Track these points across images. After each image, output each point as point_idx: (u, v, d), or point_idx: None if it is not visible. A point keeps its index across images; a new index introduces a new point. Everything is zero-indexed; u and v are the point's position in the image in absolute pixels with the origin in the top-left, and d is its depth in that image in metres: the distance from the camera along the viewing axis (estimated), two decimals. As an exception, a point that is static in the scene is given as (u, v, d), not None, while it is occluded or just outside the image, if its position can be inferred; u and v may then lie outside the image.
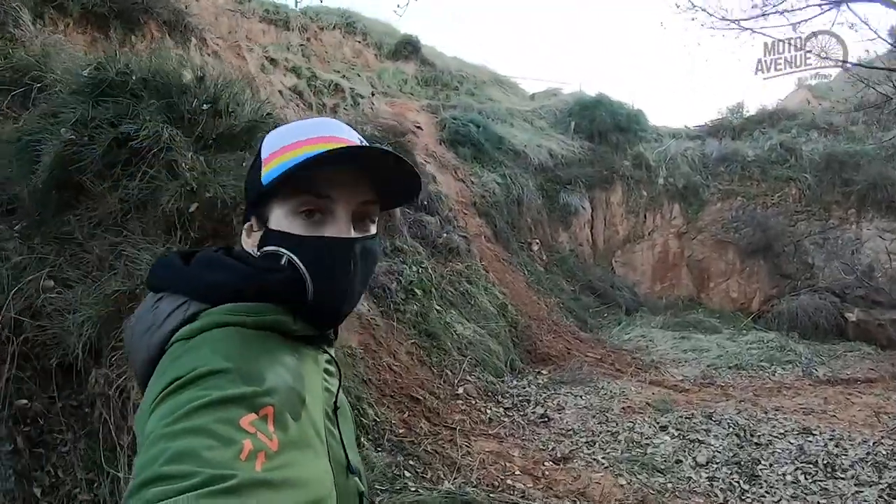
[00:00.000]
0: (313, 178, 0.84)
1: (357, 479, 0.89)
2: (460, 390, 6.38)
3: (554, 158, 12.90)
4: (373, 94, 11.75)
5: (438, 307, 7.41)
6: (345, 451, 0.88)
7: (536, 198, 12.10)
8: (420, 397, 5.72)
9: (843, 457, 5.49)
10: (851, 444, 5.74)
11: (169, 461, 0.60)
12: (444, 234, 8.83)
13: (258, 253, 0.88)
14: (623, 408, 6.26)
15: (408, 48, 15.83)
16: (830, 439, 5.82)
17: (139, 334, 0.83)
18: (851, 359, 9.01)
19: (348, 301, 0.90)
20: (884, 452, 5.61)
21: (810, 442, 5.76)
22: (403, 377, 5.89)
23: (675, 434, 5.67)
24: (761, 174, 12.25)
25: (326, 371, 0.93)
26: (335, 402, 0.90)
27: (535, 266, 11.17)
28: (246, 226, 0.92)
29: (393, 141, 8.60)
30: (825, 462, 5.30)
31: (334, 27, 15.28)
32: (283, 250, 0.85)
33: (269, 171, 0.87)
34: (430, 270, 7.76)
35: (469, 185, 11.08)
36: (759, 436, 5.74)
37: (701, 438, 5.57)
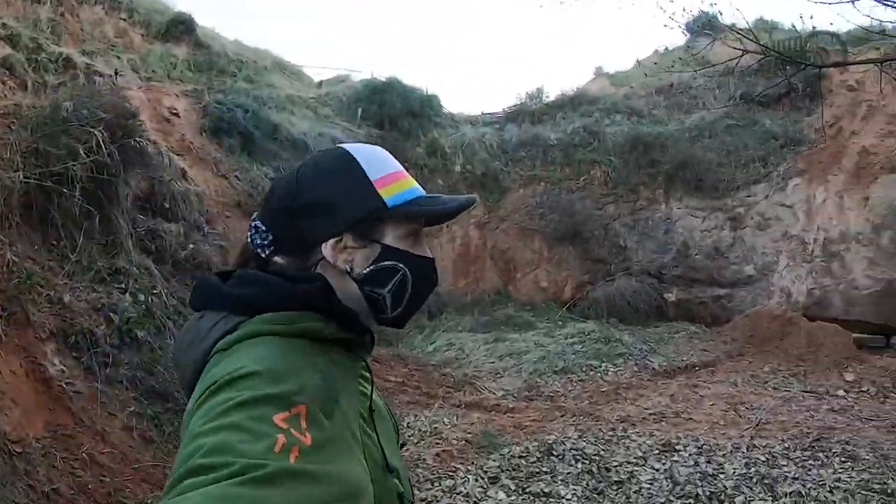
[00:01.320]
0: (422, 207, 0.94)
1: (396, 479, 0.87)
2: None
3: None
4: (116, 74, 9.03)
5: None
6: (382, 450, 0.86)
7: None
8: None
9: (722, 475, 4.22)
10: (724, 455, 4.55)
11: (205, 455, 0.61)
12: (191, 246, 6.64)
13: (368, 269, 0.91)
14: (437, 453, 4.43)
15: (180, 28, 13.33)
16: (698, 453, 4.55)
17: (184, 350, 0.88)
18: (680, 341, 8.16)
19: (412, 316, 0.98)
20: (763, 459, 4.51)
21: (677, 461, 4.41)
22: (116, 473, 3.86)
23: (512, 489, 3.95)
24: (564, 158, 11.36)
25: (361, 376, 0.92)
26: (370, 405, 0.89)
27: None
28: (334, 242, 0.91)
29: (116, 122, 6.05)
30: (706, 492, 3.88)
31: (95, 2, 12.41)
32: (402, 266, 0.91)
33: (393, 196, 0.92)
34: (164, 297, 5.52)
35: (233, 182, 8.95)
36: (615, 467, 4.29)
37: (546, 489, 3.90)
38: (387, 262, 0.90)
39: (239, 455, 0.60)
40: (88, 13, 12.11)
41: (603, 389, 6.27)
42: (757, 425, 5.12)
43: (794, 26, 10.85)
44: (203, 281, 0.93)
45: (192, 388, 0.81)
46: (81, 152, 5.09)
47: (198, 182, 8.13)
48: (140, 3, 13.15)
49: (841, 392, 6.09)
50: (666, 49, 14.05)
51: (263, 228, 0.93)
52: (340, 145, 0.98)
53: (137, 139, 6.05)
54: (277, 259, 0.92)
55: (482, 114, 13.85)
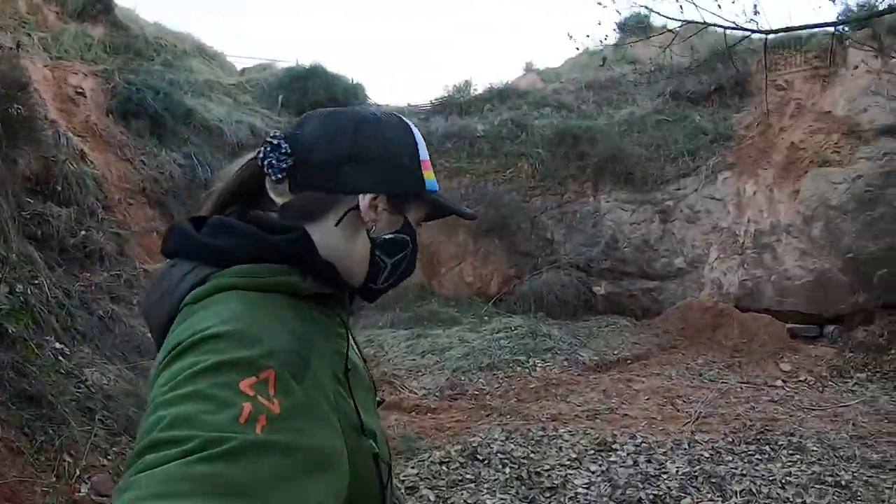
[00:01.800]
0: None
1: (372, 441, 0.81)
2: (84, 490, 3.46)
3: (256, 136, 10.36)
4: (19, 46, 7.98)
5: (59, 345, 4.47)
6: (358, 412, 0.79)
7: None
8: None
9: (665, 475, 3.72)
10: (665, 453, 4.08)
11: (166, 427, 0.58)
12: (83, 233, 5.89)
13: (388, 235, 0.90)
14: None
15: (97, 7, 12.29)
16: (637, 451, 4.06)
17: (154, 302, 0.83)
18: (610, 335, 7.76)
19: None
20: (706, 455, 4.09)
21: (615, 462, 3.89)
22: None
23: (432, 500, 3.31)
24: (491, 150, 10.92)
25: (338, 334, 0.85)
26: (346, 365, 0.81)
27: None
28: (369, 198, 0.87)
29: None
30: (650, 495, 3.36)
31: None
32: (410, 242, 0.92)
33: (431, 181, 0.93)
34: (45, 288, 4.78)
35: (139, 167, 8.11)
36: (546, 471, 3.73)
37: (469, 499, 3.27)
38: (403, 236, 0.91)
39: (201, 427, 0.57)
40: (-2, -12, 10.98)
41: (531, 386, 5.73)
42: (697, 419, 4.70)
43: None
44: (175, 226, 0.88)
45: (160, 345, 0.76)
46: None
47: (98, 165, 7.35)
48: (55, -21, 12.06)
49: (779, 382, 5.82)
50: (597, 47, 14.02)
51: (287, 150, 0.86)
52: (393, 113, 0.97)
53: (17, 107, 5.20)
54: (274, 195, 0.87)
55: (408, 105, 13.34)
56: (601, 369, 6.28)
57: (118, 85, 8.87)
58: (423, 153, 0.93)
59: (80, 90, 8.48)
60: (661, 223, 8.93)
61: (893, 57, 7.82)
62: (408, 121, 0.94)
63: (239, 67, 15.55)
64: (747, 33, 7.04)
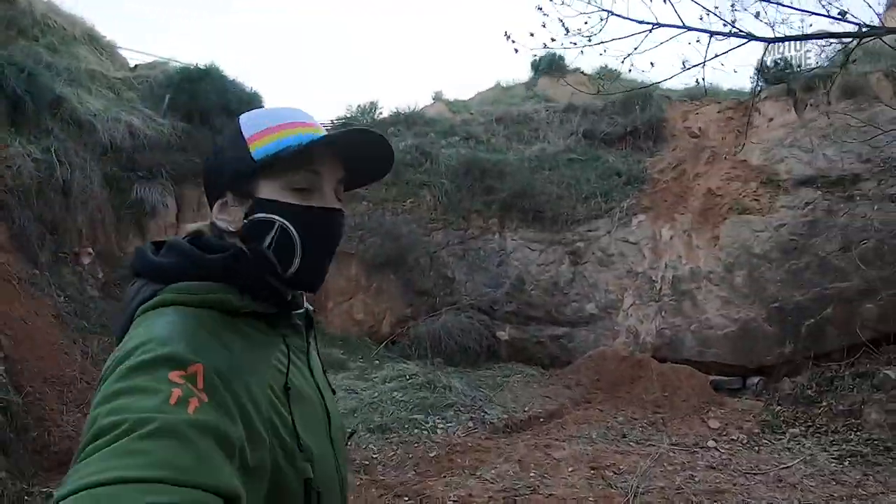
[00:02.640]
0: (308, 157, 0.88)
1: (309, 463, 0.81)
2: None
3: (135, 138, 8.98)
4: None
5: None
6: (295, 430, 0.80)
7: (99, 188, 7.99)
8: None
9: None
10: None
11: (105, 415, 0.61)
12: None
13: (243, 223, 0.88)
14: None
15: None
16: (574, 548, 3.02)
17: (116, 317, 0.93)
18: (517, 386, 6.86)
19: (322, 275, 0.92)
20: None
21: (548, 566, 2.86)
22: None
23: None
24: (392, 177, 9.94)
25: (282, 352, 0.87)
26: (286, 384, 0.83)
27: (84, 288, 6.98)
28: (219, 203, 0.92)
29: None
30: None
31: None
32: (276, 217, 0.86)
33: (262, 147, 0.88)
34: None
35: None
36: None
37: None
38: (259, 215, 0.87)
39: (132, 412, 0.60)
40: None
41: (432, 454, 4.69)
42: (635, 496, 3.81)
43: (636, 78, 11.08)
44: (139, 249, 0.91)
45: None
46: None
47: None
48: (-70, -57, 10.17)
49: (711, 443, 5.16)
50: (509, 83, 13.70)
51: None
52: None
53: None
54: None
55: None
56: (512, 430, 5.34)
57: None
58: (257, 127, 0.90)
59: None
60: (572, 265, 8.26)
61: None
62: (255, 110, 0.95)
63: (133, 63, 13.99)
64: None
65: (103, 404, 0.62)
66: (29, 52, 8.66)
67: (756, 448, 5.06)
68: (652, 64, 8.84)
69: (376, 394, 6.17)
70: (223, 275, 0.82)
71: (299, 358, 0.91)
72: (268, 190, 0.88)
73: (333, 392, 1.03)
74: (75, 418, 4.59)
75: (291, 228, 0.86)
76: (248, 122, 0.91)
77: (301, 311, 0.94)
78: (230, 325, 0.80)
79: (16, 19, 10.91)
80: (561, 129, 10.46)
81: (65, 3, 12.95)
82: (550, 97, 12.28)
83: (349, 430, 1.12)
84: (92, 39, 12.76)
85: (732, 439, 5.20)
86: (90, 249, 7.47)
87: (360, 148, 0.91)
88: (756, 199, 7.52)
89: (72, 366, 5.18)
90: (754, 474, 4.47)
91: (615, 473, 4.27)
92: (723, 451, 4.94)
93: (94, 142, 8.32)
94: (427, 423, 5.40)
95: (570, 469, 4.34)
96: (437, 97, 13.25)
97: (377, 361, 7.68)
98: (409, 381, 6.58)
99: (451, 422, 5.45)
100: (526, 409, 5.91)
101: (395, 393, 6.18)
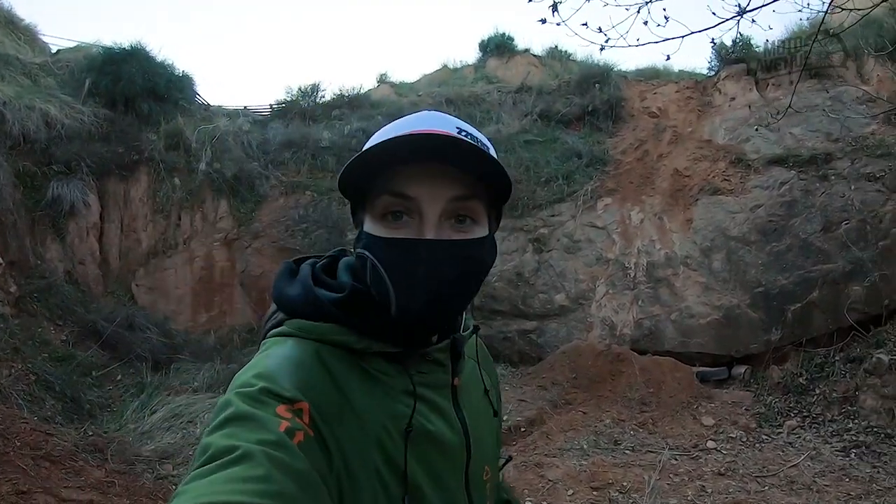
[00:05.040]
0: (391, 177, 0.77)
1: None
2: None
3: (51, 129, 8.11)
4: None
5: None
6: (406, 480, 0.76)
7: (9, 187, 7.15)
8: None
9: None
10: None
11: (217, 441, 0.62)
12: None
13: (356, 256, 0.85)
14: None
15: None
16: None
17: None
18: (482, 390, 6.28)
19: (435, 312, 0.78)
20: None
21: None
22: None
23: None
24: (338, 164, 9.30)
25: (408, 393, 0.80)
26: (407, 426, 0.77)
27: None
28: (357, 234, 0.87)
29: None
30: None
31: None
32: (367, 253, 0.79)
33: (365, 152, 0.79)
34: None
35: None
36: None
37: None
38: (359, 250, 0.82)
39: (243, 440, 0.62)
40: None
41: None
42: (653, 517, 3.33)
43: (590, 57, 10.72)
44: (282, 265, 0.91)
45: None
46: None
47: None
48: None
49: (710, 443, 4.79)
50: (456, 65, 13.16)
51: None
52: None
53: None
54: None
55: (245, 108, 11.48)
56: (495, 441, 4.79)
57: None
58: (382, 135, 0.81)
59: None
60: (536, 253, 7.77)
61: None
62: (396, 122, 0.84)
63: (56, 49, 12.76)
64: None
65: (216, 430, 0.64)
66: None
67: (758, 446, 4.73)
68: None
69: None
70: (337, 315, 0.79)
71: (439, 395, 0.84)
72: (368, 219, 0.81)
73: (496, 414, 0.99)
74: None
75: (378, 265, 0.77)
76: (384, 132, 0.83)
77: (442, 344, 0.84)
78: (353, 363, 0.78)
79: None
80: (515, 110, 9.96)
81: None
82: (501, 78, 11.80)
83: (503, 459, 1.02)
84: (8, 23, 11.65)
85: (731, 437, 4.84)
86: (0, 259, 6.52)
87: (464, 158, 0.76)
88: (727, 180, 7.22)
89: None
90: (764, 477, 4.13)
91: (620, 493, 3.78)
92: (725, 452, 4.58)
93: (2, 133, 7.49)
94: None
95: (569, 492, 3.83)
96: (383, 79, 12.60)
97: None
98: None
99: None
100: (504, 418, 5.37)
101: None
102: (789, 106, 4.09)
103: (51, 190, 7.70)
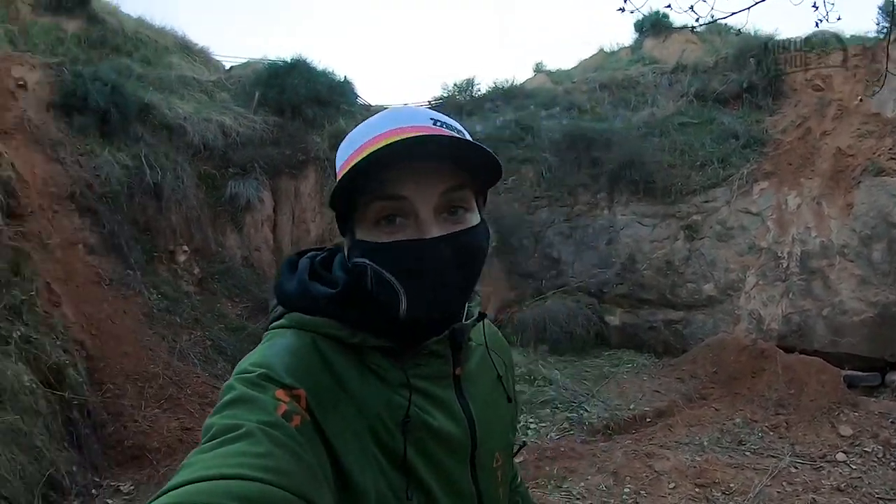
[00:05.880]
0: (381, 181, 0.78)
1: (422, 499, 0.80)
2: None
3: (227, 137, 9.26)
4: None
5: None
6: (408, 469, 0.78)
7: (192, 188, 8.33)
8: None
9: None
10: None
11: (220, 421, 0.67)
12: None
13: (349, 266, 0.85)
14: None
15: (72, 0, 11.41)
16: None
17: None
18: (625, 377, 6.45)
19: (443, 307, 0.81)
20: None
21: None
22: None
23: None
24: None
25: (407, 385, 0.81)
26: (404, 419, 0.79)
27: (179, 285, 7.35)
28: (346, 239, 0.88)
29: None
30: None
31: None
32: (366, 262, 0.80)
33: (350, 168, 0.79)
34: None
35: (71, 168, 6.96)
36: None
37: None
38: (356, 259, 0.82)
39: (244, 420, 0.65)
40: (-34, -19, 10.30)
41: (518, 460, 4.41)
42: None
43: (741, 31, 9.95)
44: (284, 261, 0.92)
45: None
46: None
47: (20, 167, 6.27)
48: (29, -28, 11.26)
49: (840, 455, 4.51)
50: (613, 48, 12.90)
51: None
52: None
53: None
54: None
55: (405, 106, 12.15)
56: (612, 433, 4.98)
57: (63, 78, 7.76)
58: (347, 151, 0.85)
59: (22, 83, 7.45)
60: (687, 241, 7.61)
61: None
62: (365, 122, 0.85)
63: (228, 66, 14.62)
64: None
65: (218, 412, 0.68)
66: (115, 66, 9.07)
67: (893, 464, 4.37)
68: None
69: (469, 387, 6.03)
70: (331, 311, 0.81)
71: (439, 386, 0.85)
72: (360, 227, 0.82)
73: (510, 400, 0.99)
74: (152, 414, 4.85)
75: (383, 272, 0.78)
76: (341, 149, 0.86)
77: (441, 336, 0.84)
78: (350, 355, 0.80)
79: (107, 38, 11.62)
80: (670, 91, 9.63)
81: (155, 18, 13.47)
82: (657, 58, 11.38)
83: (518, 444, 1.06)
84: (184, 48, 13.44)
85: (866, 451, 4.51)
86: (185, 247, 7.83)
87: (449, 151, 0.78)
88: (894, 159, 6.48)
89: (155, 362, 5.48)
90: (889, 500, 3.87)
91: (724, 493, 3.84)
92: (854, 466, 4.30)
93: (185, 143, 8.64)
94: (518, 422, 5.18)
95: (671, 485, 3.96)
96: (538, 69, 12.69)
97: (479, 350, 7.51)
98: (510, 372, 6.40)
99: (545, 421, 5.21)
100: (631, 406, 5.50)
101: (491, 386, 6.01)
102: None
103: (229, 189, 8.79)
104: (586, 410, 5.41)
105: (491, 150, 0.79)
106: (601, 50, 13.00)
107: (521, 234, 8.75)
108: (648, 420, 5.23)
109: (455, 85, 11.65)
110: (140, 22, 13.67)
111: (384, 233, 0.79)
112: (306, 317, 0.82)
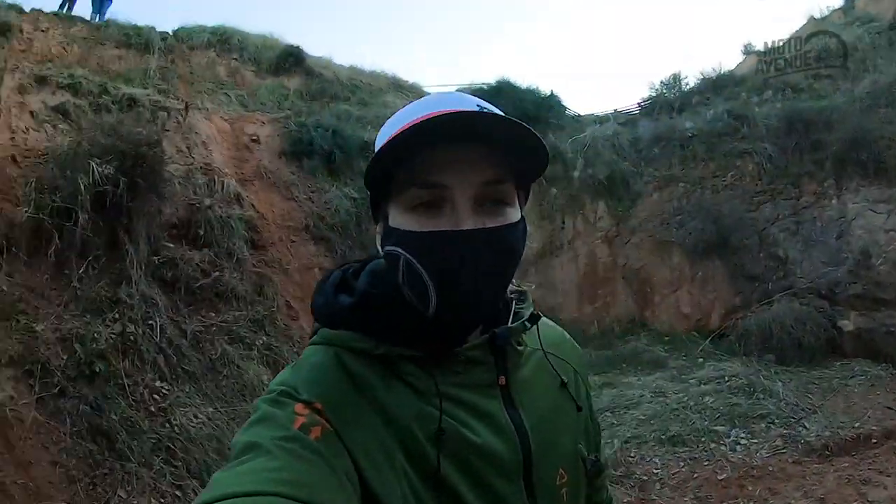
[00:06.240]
0: (418, 166, 0.74)
1: None
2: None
3: None
4: (186, 108, 8.97)
5: (159, 384, 4.72)
6: (435, 478, 0.73)
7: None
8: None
9: None
10: None
11: (243, 440, 0.67)
12: (215, 274, 6.04)
13: (382, 255, 0.83)
14: None
15: (290, 60, 13.67)
16: None
17: None
18: (856, 392, 5.90)
19: (476, 307, 0.78)
20: None
21: None
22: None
23: None
24: (707, 152, 9.27)
25: (437, 394, 0.76)
26: (437, 429, 0.74)
27: None
28: (378, 227, 0.86)
29: (129, 152, 5.61)
30: None
31: (207, 46, 13.10)
32: (399, 250, 0.76)
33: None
34: (157, 328, 5.03)
35: (304, 205, 8.32)
36: None
37: None
38: (388, 248, 0.79)
39: (265, 438, 0.66)
40: (200, 57, 12.64)
41: (721, 477, 4.46)
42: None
43: None
44: (325, 274, 0.91)
45: None
46: (82, 185, 4.99)
47: (260, 207, 7.69)
48: (251, 41, 13.45)
49: None
50: (824, 13, 11.57)
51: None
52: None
53: (143, 165, 5.56)
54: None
55: (615, 111, 12.18)
56: (829, 454, 4.67)
57: (290, 128, 9.26)
58: (382, 135, 0.83)
59: (255, 137, 9.02)
60: (934, 229, 6.68)
61: None
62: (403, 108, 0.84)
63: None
64: None
65: (243, 433, 0.69)
66: (334, 112, 10.39)
67: None
68: None
69: (685, 398, 6.00)
70: (352, 322, 0.79)
71: (481, 396, 0.80)
72: (394, 213, 0.79)
73: (580, 409, 0.91)
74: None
75: (416, 263, 0.75)
76: (382, 130, 0.85)
77: (479, 340, 0.81)
78: (378, 367, 0.77)
79: (325, 88, 13.10)
80: (891, 52, 8.42)
81: (366, 63, 14.87)
82: (873, 16, 9.97)
83: (592, 462, 0.90)
84: (396, 87, 14.74)
85: None
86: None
87: (499, 136, 0.75)
88: None
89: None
90: None
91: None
92: None
93: None
94: (728, 436, 5.08)
95: (884, 517, 3.74)
96: (748, 49, 11.83)
97: (701, 359, 7.32)
98: (727, 383, 6.26)
99: (757, 437, 5.05)
100: (856, 424, 5.08)
101: (707, 397, 5.92)
102: None
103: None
104: (805, 427, 5.14)
105: (538, 134, 0.76)
106: (811, 18, 11.73)
107: (744, 234, 8.34)
108: (874, 441, 4.80)
109: (661, 82, 11.38)
110: (353, 69, 15.16)
111: (419, 221, 0.76)
112: (331, 332, 0.81)
